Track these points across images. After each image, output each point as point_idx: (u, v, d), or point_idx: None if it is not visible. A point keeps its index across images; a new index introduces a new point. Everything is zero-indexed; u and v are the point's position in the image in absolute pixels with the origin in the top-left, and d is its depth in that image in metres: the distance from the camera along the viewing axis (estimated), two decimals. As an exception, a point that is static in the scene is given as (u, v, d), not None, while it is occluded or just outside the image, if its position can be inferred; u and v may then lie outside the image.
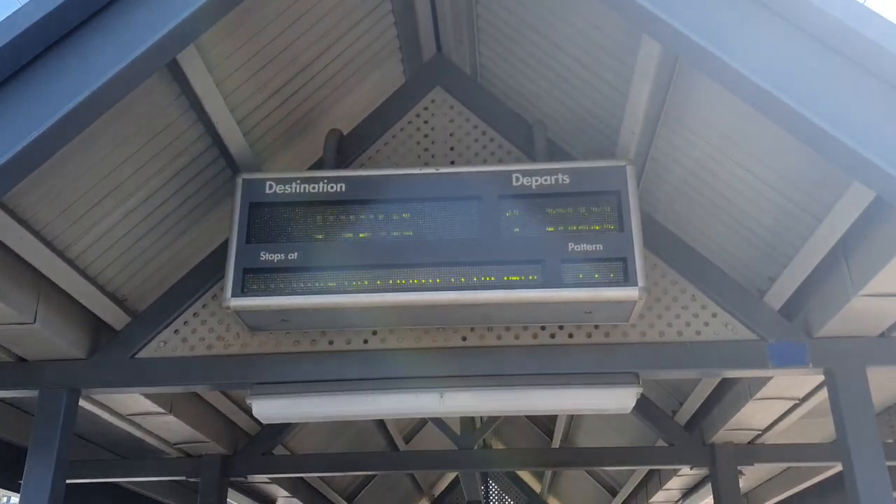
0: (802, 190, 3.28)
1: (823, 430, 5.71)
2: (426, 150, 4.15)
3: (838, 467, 5.95)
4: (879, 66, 2.51)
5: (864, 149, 2.47)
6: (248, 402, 3.73)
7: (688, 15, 2.66)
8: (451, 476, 13.27)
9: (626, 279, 3.34)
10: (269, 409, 3.72)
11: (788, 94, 2.54)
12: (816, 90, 2.54)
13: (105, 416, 4.69)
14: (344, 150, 4.10)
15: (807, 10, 2.57)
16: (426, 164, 4.09)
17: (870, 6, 2.56)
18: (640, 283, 3.33)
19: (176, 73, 3.24)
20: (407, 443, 9.30)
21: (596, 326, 3.71)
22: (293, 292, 3.39)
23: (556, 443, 8.25)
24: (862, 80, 2.54)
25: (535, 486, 13.20)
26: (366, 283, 3.39)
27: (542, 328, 3.73)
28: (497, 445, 11.85)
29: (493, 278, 3.38)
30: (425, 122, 4.21)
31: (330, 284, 3.39)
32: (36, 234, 3.27)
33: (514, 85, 4.16)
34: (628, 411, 3.73)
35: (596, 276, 3.36)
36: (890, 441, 5.56)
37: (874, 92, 2.53)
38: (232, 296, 3.40)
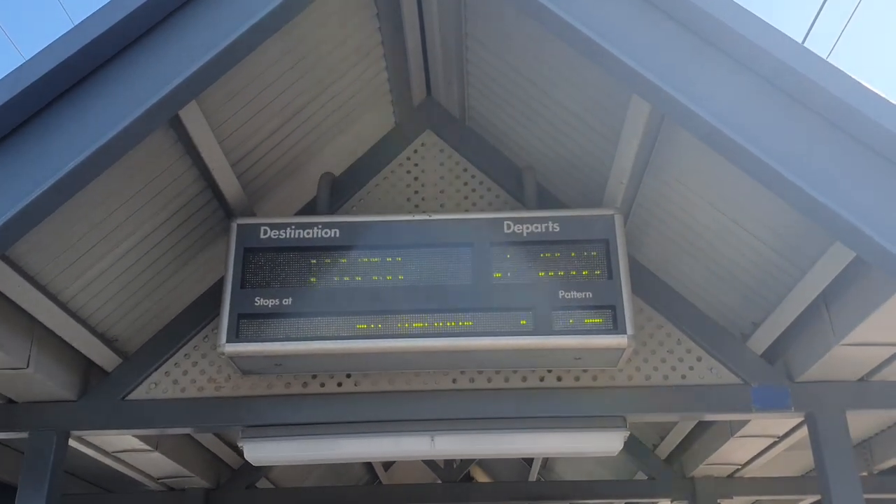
0: (786, 241, 3.38)
1: (799, 462, 5.82)
2: (416, 192, 4.21)
3: (813, 498, 6.08)
4: (857, 128, 2.61)
5: (844, 210, 2.57)
6: (239, 444, 3.74)
7: (666, 71, 2.75)
8: (428, 501, 13.25)
9: (616, 327, 3.42)
10: (260, 451, 3.73)
11: (767, 153, 2.64)
12: (794, 149, 2.64)
13: (91, 452, 4.67)
14: (335, 192, 4.14)
15: (782, 69, 2.67)
16: (416, 207, 4.16)
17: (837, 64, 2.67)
18: (629, 330, 3.40)
19: (173, 120, 3.27)
20: (386, 470, 9.31)
21: (584, 370, 3.78)
22: (288, 338, 3.42)
23: (534, 473, 8.30)
24: (841, 142, 2.64)
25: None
26: (360, 329, 3.44)
27: (532, 371, 3.79)
28: (477, 472, 11.87)
29: (485, 325, 3.44)
30: (415, 164, 4.27)
31: (324, 331, 3.43)
32: (30, 279, 3.27)
33: (504, 129, 4.24)
34: (616, 454, 3.80)
35: (586, 323, 3.43)
36: (865, 474, 5.68)
37: (851, 153, 2.62)
38: (227, 341, 3.42)
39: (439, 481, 8.28)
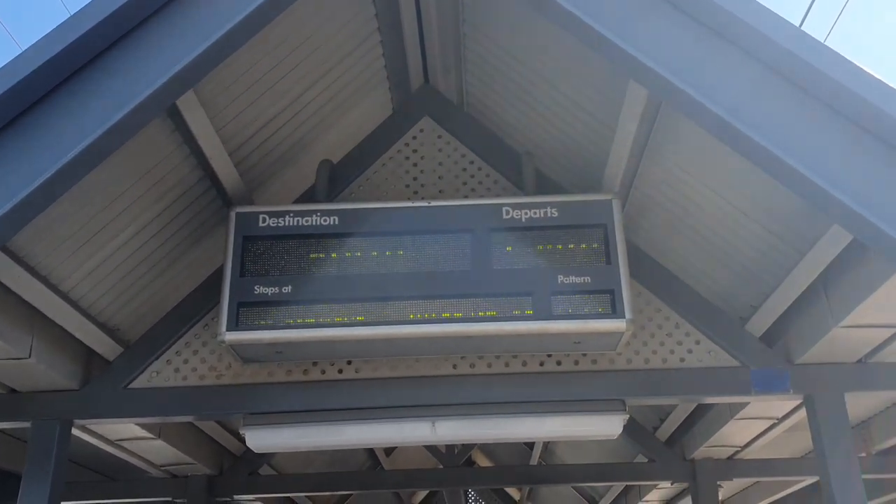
0: (785, 224, 3.39)
1: (798, 444, 5.85)
2: (415, 179, 4.21)
3: (812, 479, 6.12)
4: (856, 112, 2.61)
5: (839, 191, 2.57)
6: (241, 432, 3.77)
7: (667, 59, 2.74)
8: (430, 485, 13.33)
9: (614, 311, 3.43)
10: (262, 439, 3.76)
11: (767, 139, 2.65)
12: (793, 134, 2.64)
13: (93, 441, 4.70)
14: (334, 179, 4.15)
15: (777, 51, 2.67)
16: (415, 193, 4.16)
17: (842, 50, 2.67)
18: (628, 314, 3.42)
19: (170, 109, 3.27)
20: (388, 455, 9.35)
21: (583, 354, 3.79)
22: (288, 326, 3.44)
23: (535, 457, 8.33)
24: (840, 126, 2.64)
25: (515, 495, 13.28)
26: (360, 316, 3.45)
27: (532, 356, 3.80)
28: (478, 456, 11.92)
29: (484, 311, 3.45)
30: (414, 151, 4.27)
31: (324, 318, 3.44)
32: (31, 270, 3.28)
33: (502, 115, 4.24)
34: (615, 437, 3.82)
35: (585, 308, 3.44)
36: (863, 455, 5.70)
37: (850, 137, 2.63)
38: (227, 330, 3.44)
39: (441, 466, 8.32)
